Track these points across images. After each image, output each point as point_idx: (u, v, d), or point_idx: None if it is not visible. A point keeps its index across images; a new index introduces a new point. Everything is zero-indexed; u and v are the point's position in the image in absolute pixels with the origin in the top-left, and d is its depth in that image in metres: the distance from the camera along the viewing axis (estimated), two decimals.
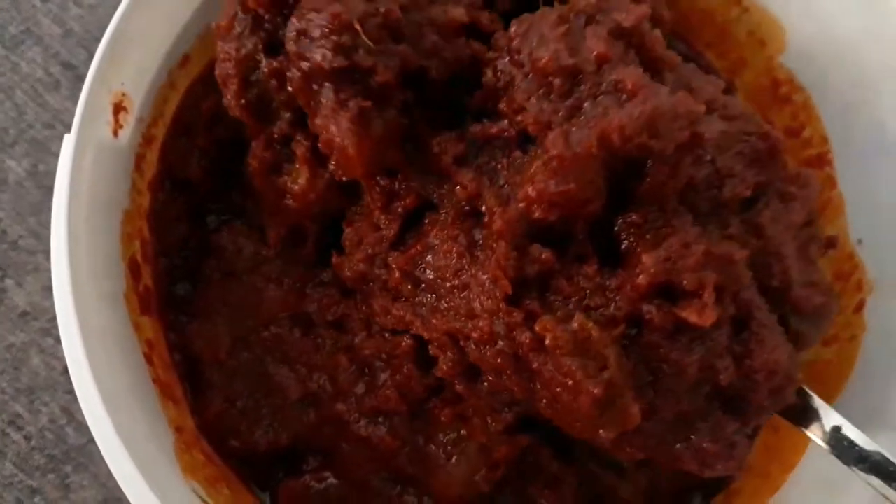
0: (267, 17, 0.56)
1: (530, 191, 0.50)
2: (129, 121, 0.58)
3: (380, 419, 0.62)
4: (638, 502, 0.67)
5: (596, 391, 0.48)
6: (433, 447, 0.63)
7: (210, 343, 0.63)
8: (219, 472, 0.60)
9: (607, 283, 0.52)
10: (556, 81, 0.51)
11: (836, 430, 0.56)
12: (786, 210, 0.56)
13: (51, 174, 0.81)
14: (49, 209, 0.79)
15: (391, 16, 0.53)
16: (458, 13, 0.56)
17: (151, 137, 0.62)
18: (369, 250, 0.60)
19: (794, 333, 0.56)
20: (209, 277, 0.66)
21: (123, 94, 0.58)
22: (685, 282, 0.50)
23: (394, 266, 0.57)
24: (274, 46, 0.56)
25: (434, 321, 0.55)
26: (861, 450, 0.55)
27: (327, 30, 0.52)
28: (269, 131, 0.60)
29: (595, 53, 0.51)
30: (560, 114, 0.51)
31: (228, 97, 0.58)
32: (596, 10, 0.54)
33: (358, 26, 0.52)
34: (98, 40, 0.57)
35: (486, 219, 0.54)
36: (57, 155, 0.81)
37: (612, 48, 0.51)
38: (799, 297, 0.56)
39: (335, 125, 0.53)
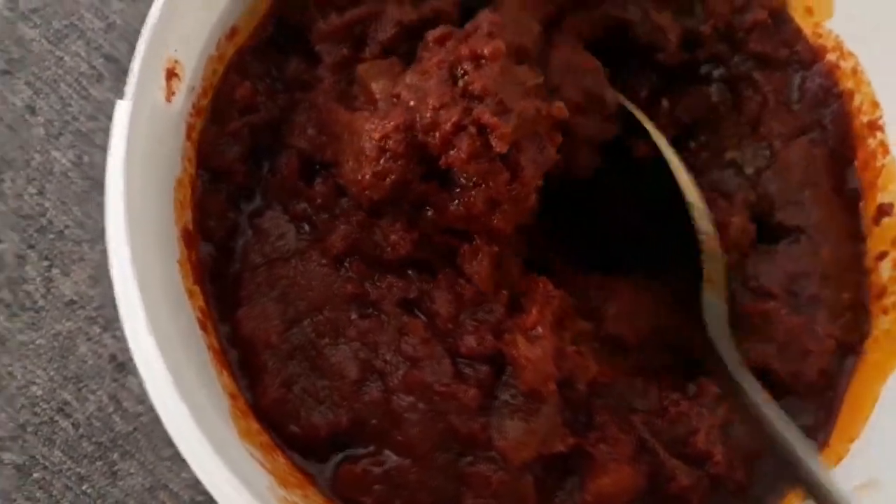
0: None
1: None
2: (182, 88, 0.58)
3: (467, 371, 0.61)
4: None
5: None
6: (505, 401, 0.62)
7: (261, 326, 0.62)
8: (274, 442, 0.59)
9: None
10: None
11: None
12: None
13: (95, 165, 0.81)
14: (94, 199, 0.81)
15: None
16: None
17: (201, 109, 0.62)
18: None
19: None
20: (254, 263, 0.64)
21: (176, 61, 0.58)
22: None
23: None
24: None
25: None
26: None
27: None
28: None
29: None
30: None
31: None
32: None
33: None
34: (139, 32, 0.56)
35: None
36: (101, 147, 0.84)
37: None
38: None
39: None
